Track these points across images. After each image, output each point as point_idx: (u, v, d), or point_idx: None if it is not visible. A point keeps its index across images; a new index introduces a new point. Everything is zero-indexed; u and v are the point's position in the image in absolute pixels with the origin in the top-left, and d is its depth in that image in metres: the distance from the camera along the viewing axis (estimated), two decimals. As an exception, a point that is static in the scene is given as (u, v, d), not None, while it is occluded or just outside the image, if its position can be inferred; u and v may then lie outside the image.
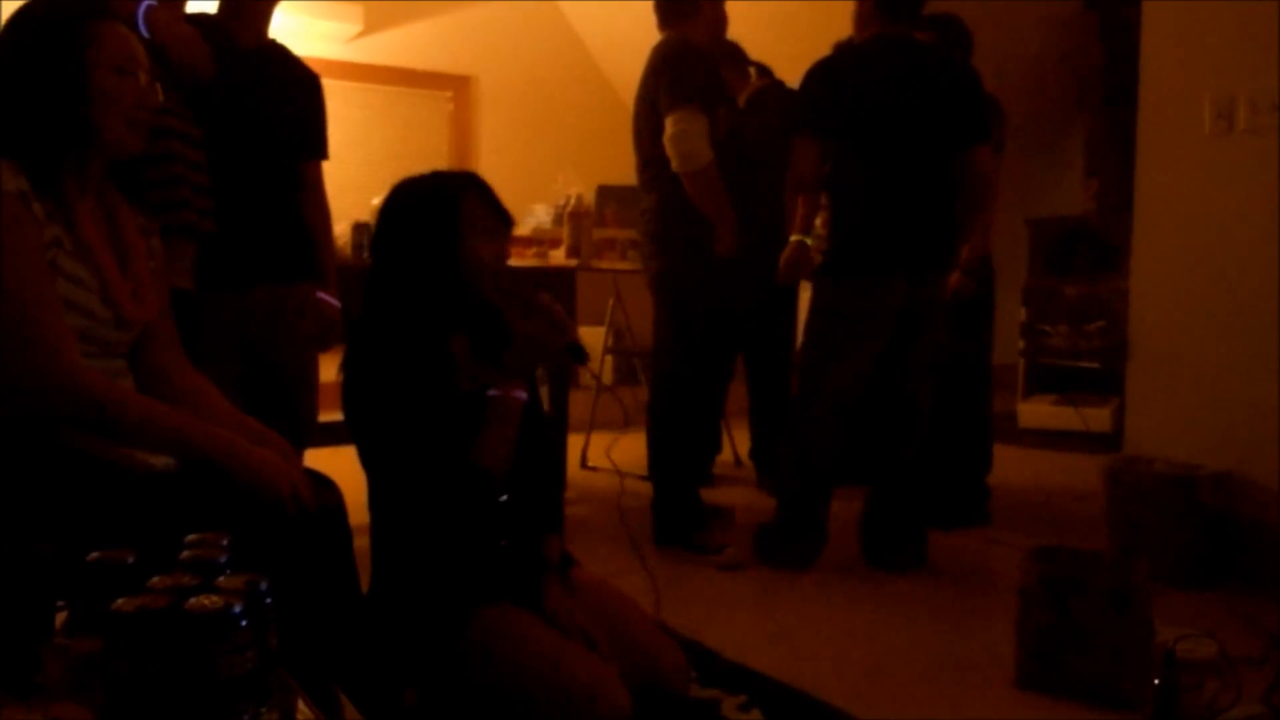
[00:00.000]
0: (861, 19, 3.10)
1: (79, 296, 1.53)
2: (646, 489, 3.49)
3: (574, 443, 4.47)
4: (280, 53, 2.58)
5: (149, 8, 2.07)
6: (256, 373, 2.52)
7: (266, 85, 2.49)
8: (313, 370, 2.67)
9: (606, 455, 4.39)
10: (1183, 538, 2.91)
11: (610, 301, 5.20)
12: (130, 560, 0.94)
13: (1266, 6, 2.89)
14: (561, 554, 1.83)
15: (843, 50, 3.12)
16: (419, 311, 1.70)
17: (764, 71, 4.10)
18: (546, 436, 1.90)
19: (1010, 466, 4.25)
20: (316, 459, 2.19)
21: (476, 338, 1.75)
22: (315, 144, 2.67)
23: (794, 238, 3.15)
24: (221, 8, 2.46)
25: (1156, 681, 1.99)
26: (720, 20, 3.38)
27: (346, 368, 1.70)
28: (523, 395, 1.70)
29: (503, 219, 1.77)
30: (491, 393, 1.67)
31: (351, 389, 1.70)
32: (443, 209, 1.72)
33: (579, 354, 1.73)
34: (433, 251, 1.70)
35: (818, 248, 3.10)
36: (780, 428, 4.34)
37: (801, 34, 4.65)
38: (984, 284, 3.55)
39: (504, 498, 1.72)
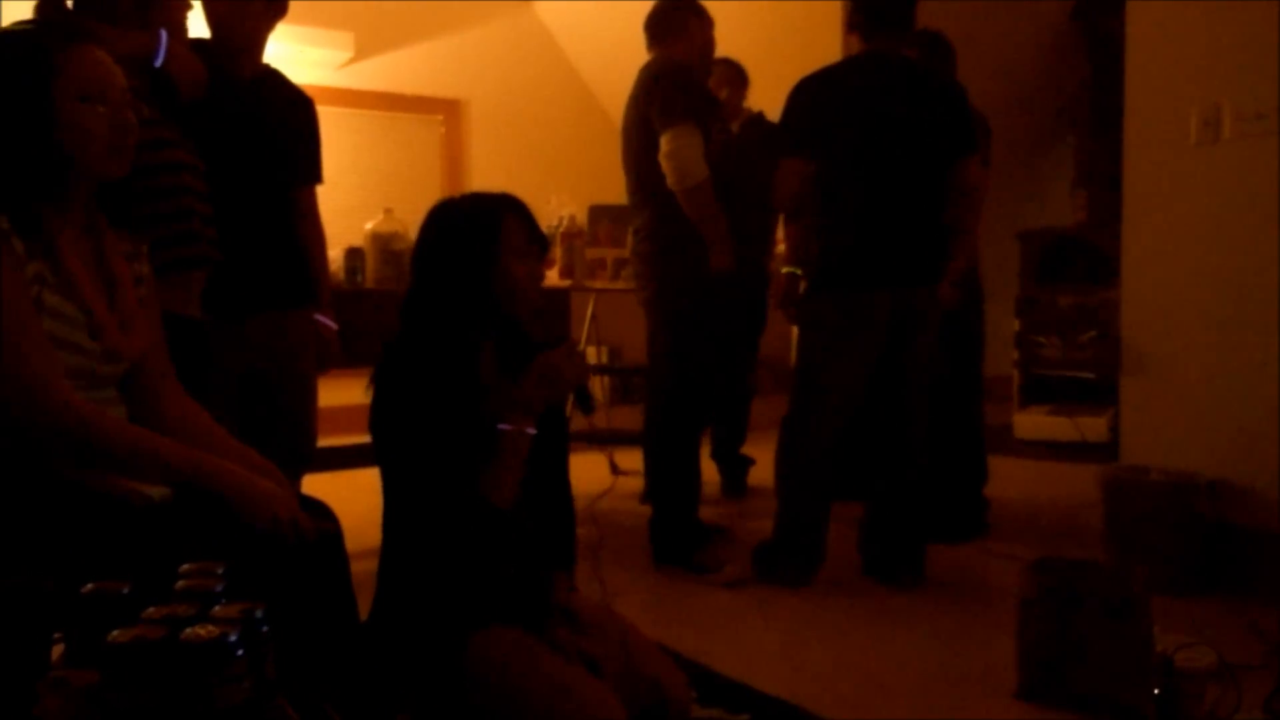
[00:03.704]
0: (850, 36, 3.13)
1: (65, 332, 1.51)
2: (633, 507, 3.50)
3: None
4: (275, 79, 2.59)
5: (167, 41, 2.10)
6: (255, 399, 2.52)
7: (262, 113, 2.50)
8: (311, 396, 2.67)
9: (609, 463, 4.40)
10: (1180, 546, 2.91)
11: (588, 314, 5.19)
12: (125, 591, 0.94)
13: (1251, 16, 2.92)
14: (569, 594, 1.82)
15: (829, 67, 3.15)
16: (452, 327, 1.71)
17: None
18: (565, 466, 1.90)
19: (1007, 478, 4.26)
20: (315, 484, 2.20)
21: (503, 352, 1.76)
22: (310, 169, 2.69)
23: (785, 270, 3.18)
24: (215, 35, 2.47)
25: (1157, 691, 1.99)
26: (708, 41, 3.40)
27: (378, 385, 1.71)
28: (531, 431, 1.69)
29: (538, 240, 1.79)
30: (502, 427, 1.67)
31: (381, 407, 1.70)
32: (481, 227, 1.73)
33: (586, 403, 1.77)
34: (469, 269, 1.72)
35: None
36: (741, 426, 4.40)
37: (791, 51, 4.69)
38: (972, 296, 3.56)
39: (514, 527, 1.72)
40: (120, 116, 1.58)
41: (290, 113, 2.60)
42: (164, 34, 2.09)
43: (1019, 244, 6.03)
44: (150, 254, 1.78)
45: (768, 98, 3.98)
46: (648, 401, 3.53)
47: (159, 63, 2.09)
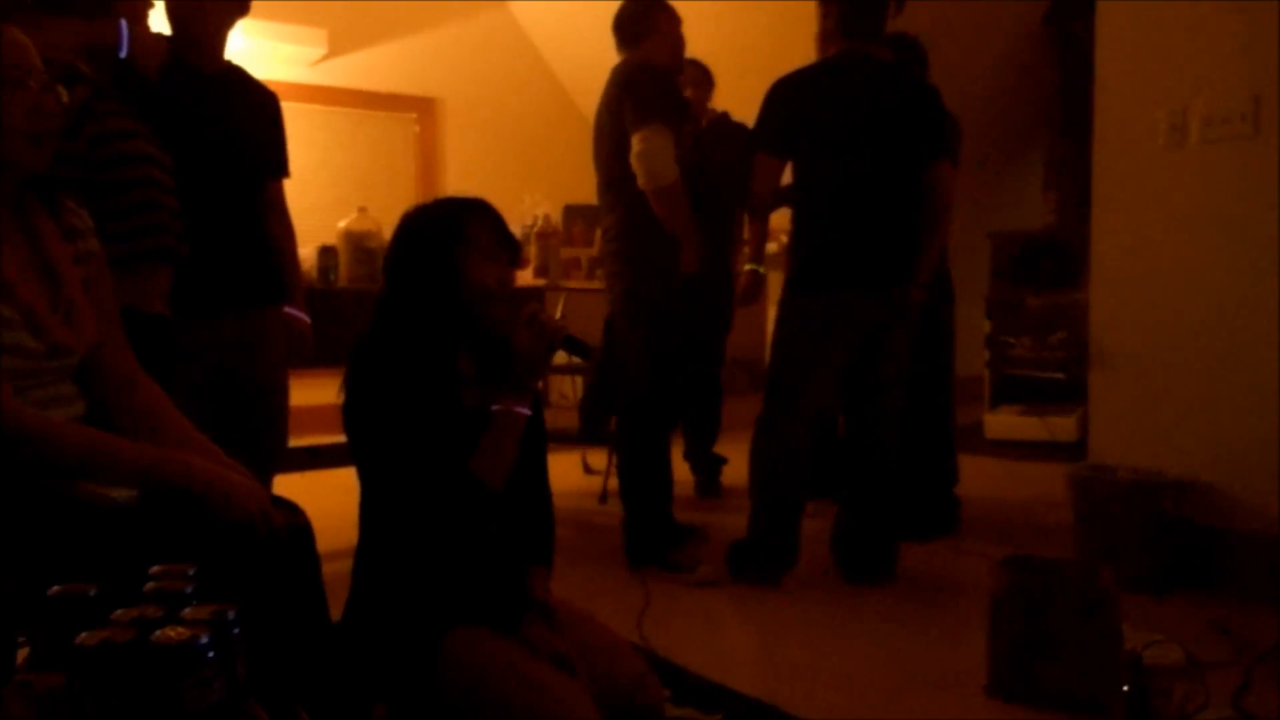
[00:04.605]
0: (824, 37, 3.14)
1: (3, 336, 1.43)
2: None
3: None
4: (238, 75, 2.57)
5: (131, 30, 2.08)
6: (225, 398, 2.50)
7: (227, 108, 2.48)
8: (283, 394, 2.65)
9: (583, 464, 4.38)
10: (1147, 544, 2.94)
11: (558, 313, 5.18)
12: (92, 593, 0.93)
13: (1218, 22, 2.96)
14: (546, 590, 1.82)
15: (806, 67, 3.16)
16: (422, 330, 1.71)
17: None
18: (543, 462, 1.90)
19: (978, 477, 4.29)
20: (286, 485, 2.18)
21: (481, 359, 1.76)
22: (277, 163, 2.67)
23: (748, 267, 3.19)
24: (176, 32, 2.44)
25: (1125, 687, 2.01)
26: (678, 41, 3.41)
27: (349, 383, 1.70)
28: (525, 411, 1.71)
29: (508, 246, 1.78)
30: (495, 408, 1.70)
31: (354, 403, 1.70)
32: (447, 230, 1.73)
33: (580, 350, 1.78)
34: (435, 271, 1.71)
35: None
36: (713, 426, 4.44)
37: (762, 51, 4.70)
38: (943, 297, 3.58)
39: (494, 522, 1.72)
40: (41, 102, 1.49)
41: (255, 107, 2.59)
42: (124, 24, 2.07)
43: (990, 244, 6.08)
44: (118, 245, 1.74)
45: (739, 98, 4.00)
46: (620, 401, 3.51)
47: (123, 53, 2.06)
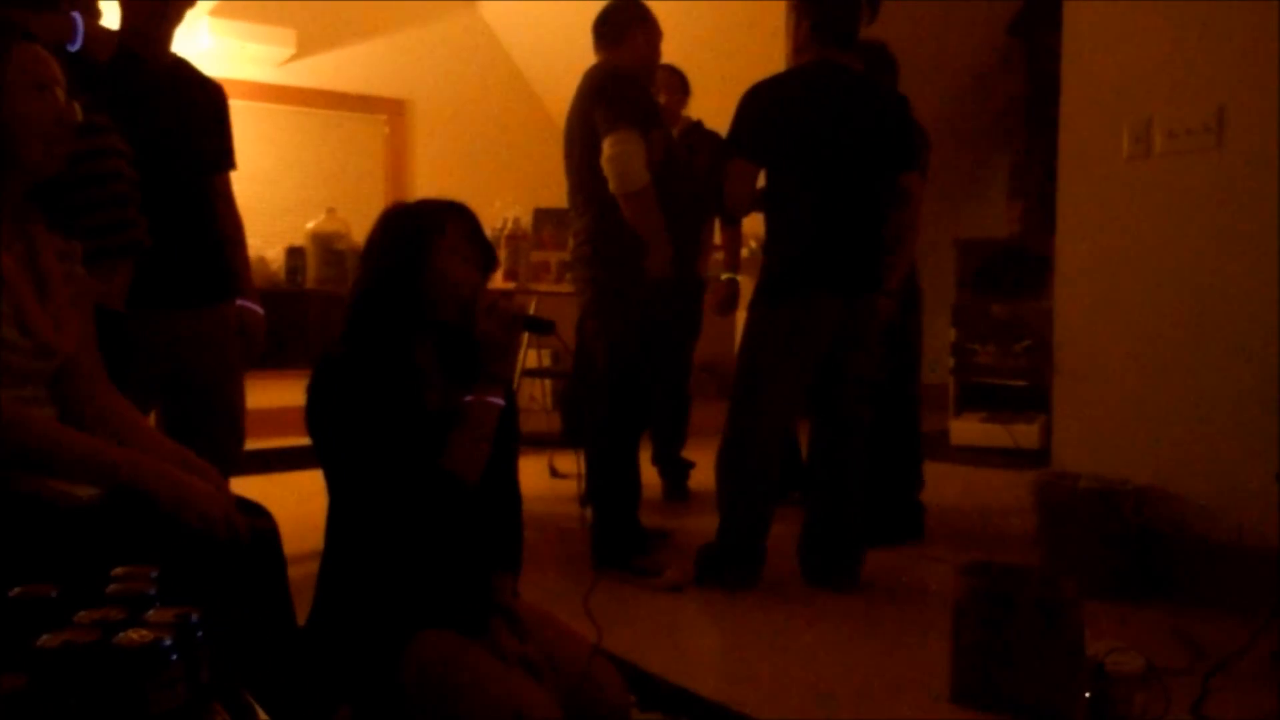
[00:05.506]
0: (798, 44, 3.16)
1: None
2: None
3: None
4: (184, 68, 2.54)
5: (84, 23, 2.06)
6: (179, 397, 2.47)
7: (173, 101, 2.45)
8: (238, 393, 2.62)
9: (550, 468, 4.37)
10: (1108, 551, 2.98)
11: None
12: (54, 595, 0.91)
13: (1183, 34, 3.01)
14: (513, 595, 1.82)
15: (780, 74, 3.18)
16: (386, 323, 1.70)
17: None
18: (515, 466, 1.90)
19: (942, 483, 4.33)
20: (250, 487, 2.16)
21: (446, 357, 1.76)
22: (224, 156, 2.64)
23: (724, 275, 3.20)
24: (125, 24, 2.42)
25: (1087, 694, 2.04)
26: (654, 47, 3.42)
27: (314, 385, 1.69)
28: (498, 401, 1.70)
29: (481, 249, 1.78)
30: (467, 399, 1.69)
31: (318, 405, 1.68)
32: (419, 228, 1.73)
33: (537, 325, 1.78)
34: (401, 267, 1.71)
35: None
36: (681, 430, 4.45)
37: (733, 56, 4.72)
38: (911, 305, 3.62)
39: (465, 524, 1.71)
40: (65, 111, 1.56)
41: (202, 100, 2.56)
42: (78, 17, 2.06)
43: (956, 253, 6.15)
44: (89, 241, 1.74)
45: (710, 103, 4.02)
46: (589, 404, 3.51)
47: (76, 46, 2.04)
